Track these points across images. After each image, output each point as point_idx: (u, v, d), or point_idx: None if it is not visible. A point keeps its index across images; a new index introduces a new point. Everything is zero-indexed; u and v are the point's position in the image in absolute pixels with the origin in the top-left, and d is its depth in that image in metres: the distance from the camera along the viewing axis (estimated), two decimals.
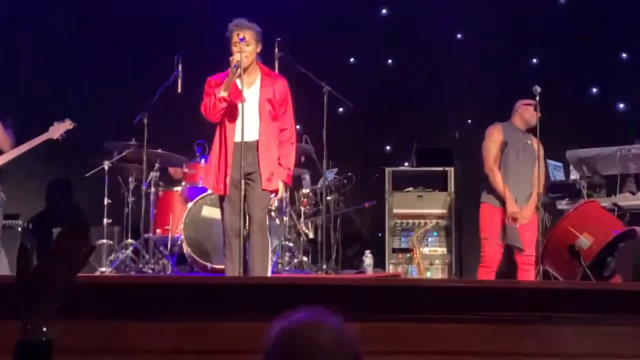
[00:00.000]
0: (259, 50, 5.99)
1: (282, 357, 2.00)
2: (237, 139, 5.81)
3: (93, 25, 9.61)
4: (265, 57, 6.33)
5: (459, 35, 9.81)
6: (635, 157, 7.36)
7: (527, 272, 6.94)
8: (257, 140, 5.89)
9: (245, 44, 5.79)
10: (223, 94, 5.75)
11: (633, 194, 7.43)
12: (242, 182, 5.67)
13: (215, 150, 6.01)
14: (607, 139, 7.76)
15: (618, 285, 4.77)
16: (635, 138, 7.77)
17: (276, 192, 6.00)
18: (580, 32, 9.43)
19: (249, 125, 5.86)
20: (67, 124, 7.44)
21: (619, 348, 3.77)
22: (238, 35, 5.79)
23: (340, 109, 8.89)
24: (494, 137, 7.16)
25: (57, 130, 7.42)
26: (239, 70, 5.73)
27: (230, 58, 5.75)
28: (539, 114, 6.76)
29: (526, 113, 7.14)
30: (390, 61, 9.92)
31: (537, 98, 6.72)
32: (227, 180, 5.82)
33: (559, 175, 8.09)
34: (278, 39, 6.16)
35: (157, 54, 8.81)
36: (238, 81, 5.87)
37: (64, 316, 3.78)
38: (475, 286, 4.48)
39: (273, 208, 7.28)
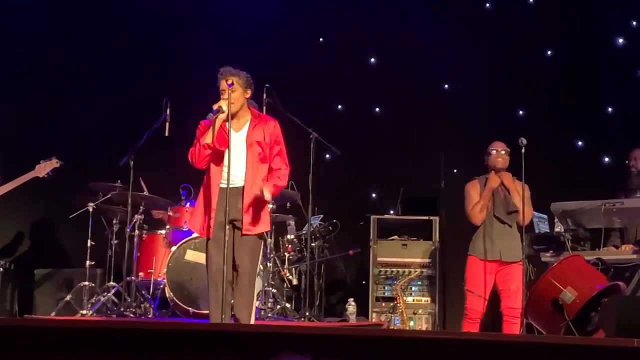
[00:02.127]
0: (248, 95, 6.03)
1: None
2: (223, 184, 5.83)
3: (81, 65, 9.66)
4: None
5: (446, 85, 9.90)
6: (620, 212, 7.39)
7: (513, 325, 6.94)
8: (243, 187, 5.91)
9: (231, 90, 5.86)
10: (207, 140, 5.80)
11: (617, 248, 7.46)
12: (227, 226, 5.66)
13: (202, 194, 6.03)
14: (592, 193, 7.79)
15: (601, 340, 4.76)
16: (620, 192, 7.81)
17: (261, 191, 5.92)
18: (567, 85, 9.53)
19: (236, 170, 5.88)
20: (54, 162, 7.46)
21: None
22: (225, 81, 5.88)
23: (327, 156, 8.94)
24: (471, 194, 7.22)
25: (44, 168, 7.43)
26: (219, 115, 5.81)
27: (213, 104, 5.82)
28: (523, 163, 6.79)
29: (489, 161, 7.22)
30: (377, 109, 10.00)
31: (523, 150, 6.76)
32: (211, 223, 5.82)
33: (544, 228, 8.11)
34: (266, 85, 6.21)
35: (145, 96, 8.84)
36: (229, 127, 5.90)
37: (49, 356, 3.77)
38: (460, 338, 4.47)
39: None
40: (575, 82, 9.49)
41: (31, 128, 9.39)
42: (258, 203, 5.91)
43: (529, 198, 7.13)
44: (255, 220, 5.91)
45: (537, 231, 8.02)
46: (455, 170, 9.07)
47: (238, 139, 5.94)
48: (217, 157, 5.88)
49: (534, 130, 8.14)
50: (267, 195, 5.90)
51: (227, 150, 5.81)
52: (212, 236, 5.83)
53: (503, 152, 7.17)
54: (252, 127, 6.00)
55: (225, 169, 5.85)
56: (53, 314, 8.08)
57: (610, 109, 9.66)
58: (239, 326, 5.35)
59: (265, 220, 6.01)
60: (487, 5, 9.93)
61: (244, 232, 5.86)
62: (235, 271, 5.89)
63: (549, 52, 9.81)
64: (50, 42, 9.67)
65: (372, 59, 10.04)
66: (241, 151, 5.94)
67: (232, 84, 5.85)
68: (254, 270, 5.99)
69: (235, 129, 5.95)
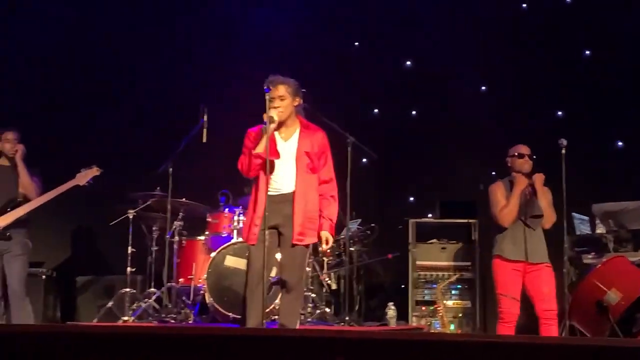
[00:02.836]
0: (296, 103, 5.95)
1: None
2: (272, 192, 5.81)
3: (119, 74, 9.74)
4: None
5: (483, 87, 9.84)
6: None
7: (550, 327, 6.85)
8: (294, 192, 5.90)
9: (280, 99, 5.83)
10: (259, 150, 5.76)
11: None
12: (267, 233, 5.66)
13: (252, 201, 6.01)
14: (633, 193, 7.71)
15: None
16: None
17: (320, 242, 5.96)
18: (605, 85, 9.44)
19: (285, 177, 5.87)
20: (94, 171, 7.50)
21: None
22: (272, 91, 5.81)
23: (364, 160, 8.91)
24: (497, 196, 7.13)
25: (84, 176, 7.48)
26: (271, 125, 5.74)
27: (264, 115, 5.75)
28: (563, 165, 6.72)
29: (514, 165, 7.12)
30: (414, 112, 9.97)
31: (563, 151, 6.70)
32: (255, 230, 5.81)
33: (585, 229, 8.03)
34: (303, 90, 6.20)
35: (183, 103, 8.90)
36: (277, 135, 5.90)
37: None
38: (502, 341, 4.43)
39: None
40: (614, 82, 9.39)
41: (71, 137, 9.48)
42: (308, 211, 5.90)
43: (551, 202, 7.04)
44: (305, 230, 5.89)
45: (578, 233, 7.95)
46: (493, 173, 8.99)
47: (287, 149, 5.92)
48: (265, 166, 5.80)
49: (573, 131, 8.05)
50: (330, 243, 5.96)
51: (268, 162, 5.79)
52: (256, 242, 5.82)
53: (527, 156, 7.08)
54: (301, 137, 5.95)
55: (272, 176, 5.84)
56: (95, 320, 8.15)
57: None
58: (284, 331, 5.35)
59: (314, 231, 5.97)
60: (524, 5, 9.86)
61: (294, 242, 5.84)
62: (283, 279, 5.90)
63: (587, 52, 9.72)
64: (87, 50, 9.77)
65: (408, 62, 10.02)
66: (290, 160, 5.91)
67: (269, 89, 5.82)
68: (301, 279, 5.99)
69: (284, 137, 5.93)
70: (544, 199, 6.93)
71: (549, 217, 6.90)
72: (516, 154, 7.05)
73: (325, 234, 5.91)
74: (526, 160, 7.03)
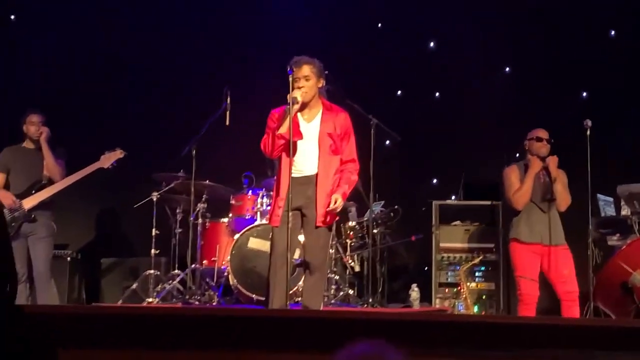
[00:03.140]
0: (320, 85, 5.91)
1: None
2: (295, 174, 5.80)
3: (140, 55, 9.76)
4: None
5: (507, 69, 9.79)
6: None
7: (572, 308, 6.83)
8: (316, 174, 5.89)
9: (304, 79, 5.81)
10: (282, 130, 5.75)
11: None
12: (290, 215, 5.66)
13: (275, 184, 6.01)
14: None
15: None
16: None
17: (329, 204, 5.90)
18: (630, 66, 9.35)
19: (308, 159, 5.86)
20: (118, 153, 7.53)
21: None
22: (297, 71, 5.79)
23: (387, 142, 8.89)
24: (511, 179, 7.10)
25: (108, 159, 7.51)
26: (295, 106, 5.73)
27: (288, 95, 5.73)
28: (588, 146, 6.68)
29: (532, 148, 7.07)
30: (437, 94, 9.92)
31: (588, 132, 6.65)
32: (279, 212, 5.81)
33: (610, 211, 7.98)
34: (326, 72, 6.18)
35: (206, 86, 8.90)
36: (300, 116, 5.89)
37: (116, 343, 3.82)
38: (526, 322, 4.42)
39: None
40: (638, 62, 9.30)
41: (94, 119, 9.53)
42: (330, 192, 5.88)
43: (566, 184, 7.00)
44: (327, 212, 5.89)
45: (603, 214, 7.90)
46: (517, 155, 8.95)
47: (310, 130, 5.89)
48: (289, 147, 5.81)
49: (597, 112, 7.97)
50: (339, 204, 5.89)
51: (288, 143, 5.77)
52: (279, 224, 5.82)
53: (546, 140, 7.04)
54: (324, 119, 5.92)
55: (295, 158, 5.83)
56: (120, 302, 8.20)
57: None
58: (307, 312, 5.36)
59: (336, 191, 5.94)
60: None
61: (317, 224, 5.84)
62: (307, 261, 5.90)
63: (613, 33, 9.63)
64: (111, 32, 9.78)
65: (432, 44, 9.96)
66: (313, 142, 5.89)
67: (292, 70, 5.81)
68: (325, 261, 5.98)
69: (307, 119, 5.91)
70: (559, 182, 6.90)
71: (564, 200, 6.88)
72: (534, 137, 7.02)
73: (336, 196, 5.81)
74: (544, 144, 7.00)
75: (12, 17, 10.01)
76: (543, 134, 7.03)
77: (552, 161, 6.97)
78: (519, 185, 6.97)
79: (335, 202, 5.83)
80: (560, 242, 6.89)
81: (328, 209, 5.86)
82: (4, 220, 1.91)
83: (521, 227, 6.96)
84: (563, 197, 6.90)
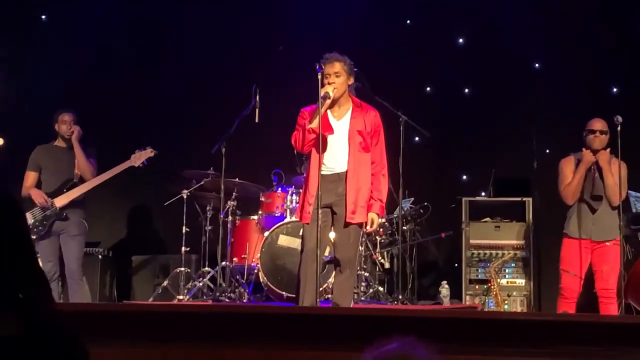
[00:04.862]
0: (350, 82, 5.97)
1: None
2: (325, 171, 5.84)
3: (170, 54, 9.82)
4: None
5: (536, 65, 9.73)
6: None
7: (609, 305, 6.81)
8: (346, 172, 5.91)
9: (335, 75, 5.83)
10: (312, 125, 5.78)
11: None
12: (319, 213, 5.69)
13: (306, 181, 6.06)
14: None
15: None
16: None
17: (365, 223, 5.99)
18: None
19: (338, 156, 5.90)
20: (148, 152, 7.59)
21: None
22: (328, 68, 5.84)
23: (417, 138, 8.86)
24: (565, 172, 7.07)
25: (139, 157, 7.57)
26: (327, 101, 5.76)
27: (320, 90, 5.77)
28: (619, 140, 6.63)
29: (586, 140, 7.03)
30: (467, 90, 9.89)
31: (619, 128, 6.61)
32: (309, 209, 5.84)
33: None
34: (355, 70, 6.20)
35: (235, 84, 8.93)
36: (330, 114, 5.91)
37: (148, 340, 3.85)
38: (556, 320, 4.40)
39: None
40: None
41: (124, 118, 9.59)
42: (360, 189, 5.91)
43: (625, 177, 6.92)
44: (358, 209, 5.90)
45: (634, 211, 7.83)
46: (547, 151, 8.91)
47: (340, 127, 5.93)
48: (319, 143, 5.85)
49: (629, 108, 7.92)
50: (376, 224, 5.97)
51: (321, 137, 5.80)
52: (310, 221, 5.84)
53: (599, 132, 6.96)
54: (354, 115, 5.96)
55: (326, 155, 5.85)
56: (151, 299, 8.25)
57: None
58: (337, 310, 5.38)
59: (365, 210, 5.98)
60: None
61: (347, 221, 5.86)
62: (337, 258, 5.93)
63: None
64: (139, 33, 9.85)
65: (460, 40, 9.93)
66: (343, 139, 5.93)
67: (321, 68, 5.84)
68: (355, 258, 6.03)
69: (337, 116, 5.96)
70: (610, 176, 6.84)
71: (614, 195, 6.82)
72: (588, 129, 6.97)
73: (372, 215, 5.92)
74: (596, 136, 6.92)
75: (43, 17, 10.10)
76: (596, 125, 6.94)
77: (601, 157, 6.90)
78: (570, 179, 6.95)
79: (372, 223, 5.90)
80: (609, 237, 6.87)
81: (367, 230, 5.94)
82: (25, 222, 1.91)
83: (571, 222, 7.00)
84: (614, 192, 6.82)
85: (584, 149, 6.98)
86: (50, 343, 1.79)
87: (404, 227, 8.36)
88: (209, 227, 8.39)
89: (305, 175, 6.19)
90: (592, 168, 6.96)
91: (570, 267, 6.93)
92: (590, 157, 6.93)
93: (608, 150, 6.94)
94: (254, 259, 7.98)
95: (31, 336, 1.77)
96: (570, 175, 6.99)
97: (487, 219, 8.75)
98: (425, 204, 8.43)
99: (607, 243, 6.87)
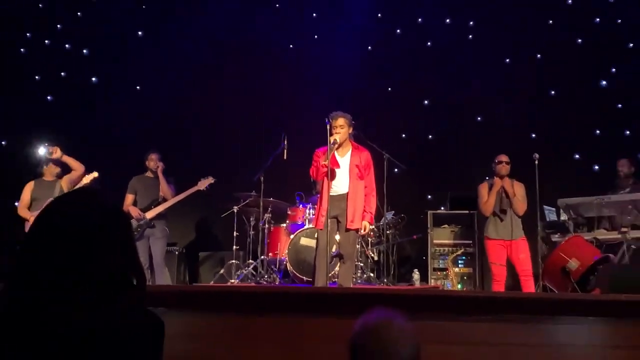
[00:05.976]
0: (350, 131, 6.08)
1: (364, 344, 2.00)
2: (332, 192, 5.92)
3: (225, 108, 9.76)
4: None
5: (479, 118, 9.71)
6: (608, 204, 7.16)
7: (527, 281, 6.78)
8: (347, 193, 5.94)
9: (340, 127, 5.89)
10: (325, 162, 5.83)
11: (607, 230, 7.21)
12: (329, 221, 5.72)
13: (319, 199, 6.10)
14: (586, 191, 7.55)
15: (598, 296, 4.62)
16: (608, 191, 7.56)
17: (360, 229, 6.00)
18: (567, 113, 9.26)
19: (342, 183, 5.97)
20: (210, 179, 7.63)
21: (601, 340, 3.67)
22: (335, 122, 5.93)
23: (396, 170, 8.87)
24: (482, 193, 7.07)
25: (203, 184, 7.60)
26: (335, 146, 5.84)
27: (329, 137, 5.86)
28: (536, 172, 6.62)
29: (495, 169, 7.03)
30: (430, 137, 9.90)
31: (537, 162, 6.62)
32: (323, 220, 5.87)
33: (553, 217, 7.90)
34: (353, 122, 6.25)
35: (270, 131, 8.94)
36: (336, 153, 5.96)
37: (210, 311, 3.85)
38: (492, 296, 4.40)
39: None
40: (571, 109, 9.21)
41: (192, 154, 9.59)
42: (357, 206, 5.94)
43: (524, 195, 6.94)
44: (355, 219, 5.94)
45: (548, 219, 7.82)
46: (487, 178, 8.88)
47: (343, 162, 6.01)
48: (330, 173, 5.89)
49: (543, 148, 7.90)
50: (368, 229, 6.01)
51: (330, 170, 5.84)
52: (322, 227, 5.88)
53: (505, 162, 7.00)
54: (353, 154, 6.05)
55: (333, 182, 5.90)
56: (212, 282, 8.25)
57: (597, 132, 9.35)
58: (342, 289, 5.37)
59: (360, 219, 6.01)
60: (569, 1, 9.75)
61: (347, 227, 5.90)
62: (341, 253, 5.96)
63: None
64: (198, 78, 9.75)
65: (426, 101, 9.94)
66: (345, 171, 6.00)
67: (329, 121, 5.89)
68: (354, 253, 6.09)
69: (341, 154, 6.05)
70: (513, 196, 6.85)
71: (519, 207, 6.86)
72: (497, 161, 7.02)
73: (364, 223, 5.97)
74: (503, 166, 6.98)
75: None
76: (503, 158, 7.02)
77: (506, 182, 6.94)
78: (486, 199, 6.97)
79: (365, 228, 5.92)
80: (519, 235, 6.86)
81: (360, 233, 5.97)
82: (131, 229, 1.93)
83: (490, 228, 6.96)
84: (519, 205, 6.86)
85: (495, 177, 6.98)
86: (137, 315, 1.79)
87: (388, 232, 8.35)
88: (252, 232, 8.39)
89: (318, 195, 6.22)
90: (500, 190, 6.96)
91: (496, 260, 6.89)
92: (499, 182, 6.95)
93: (508, 179, 6.93)
94: (283, 254, 7.97)
95: (127, 310, 1.77)
96: (485, 195, 7.00)
97: (446, 225, 8.73)
98: (403, 215, 8.42)
99: (516, 240, 6.84)
